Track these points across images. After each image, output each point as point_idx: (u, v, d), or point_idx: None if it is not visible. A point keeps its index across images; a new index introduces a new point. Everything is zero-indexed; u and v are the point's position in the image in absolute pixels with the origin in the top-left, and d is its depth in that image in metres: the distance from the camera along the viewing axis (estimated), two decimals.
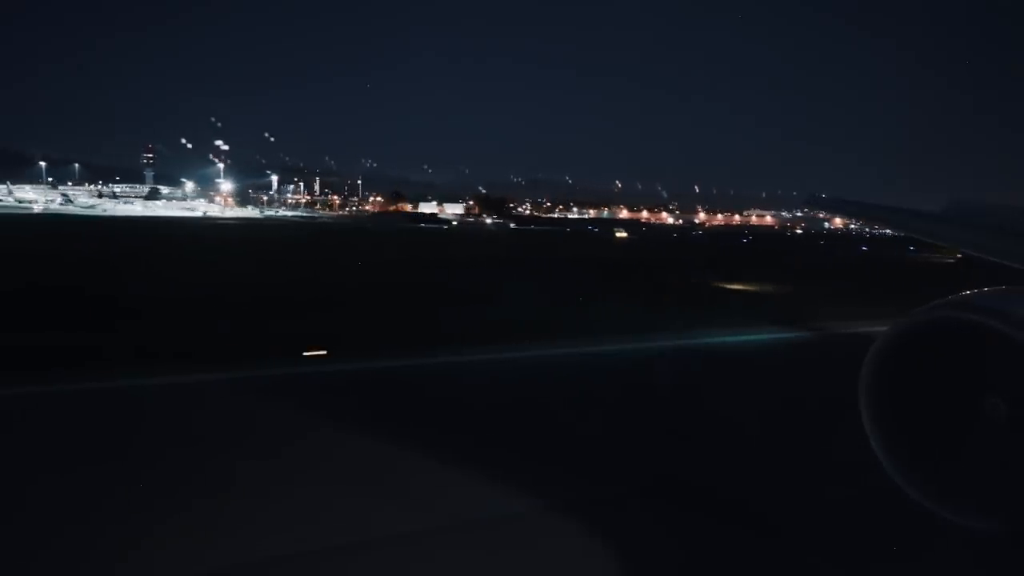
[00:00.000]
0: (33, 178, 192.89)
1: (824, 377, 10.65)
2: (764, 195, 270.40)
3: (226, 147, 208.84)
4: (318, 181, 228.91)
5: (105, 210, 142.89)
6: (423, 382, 10.99)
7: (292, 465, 7.07)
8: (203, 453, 7.32)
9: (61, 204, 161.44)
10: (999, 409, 3.46)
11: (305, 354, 12.66)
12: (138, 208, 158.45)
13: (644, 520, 6.06)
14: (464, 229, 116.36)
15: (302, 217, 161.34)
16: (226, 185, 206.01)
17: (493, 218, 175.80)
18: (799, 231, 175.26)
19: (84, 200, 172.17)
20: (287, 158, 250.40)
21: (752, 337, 16.57)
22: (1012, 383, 3.37)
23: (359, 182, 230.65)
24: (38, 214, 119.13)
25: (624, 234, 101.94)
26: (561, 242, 79.28)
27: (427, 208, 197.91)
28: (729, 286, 32.45)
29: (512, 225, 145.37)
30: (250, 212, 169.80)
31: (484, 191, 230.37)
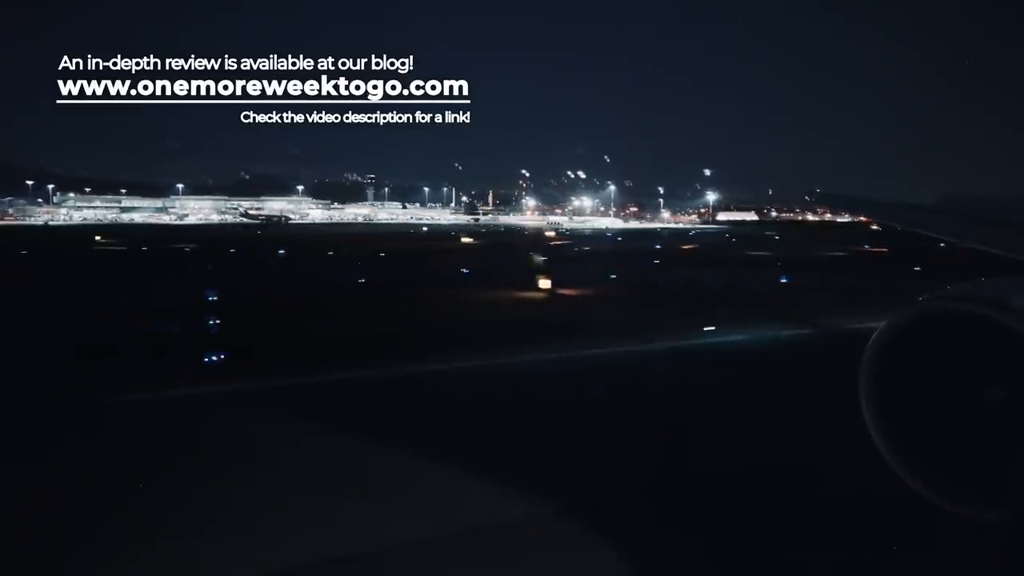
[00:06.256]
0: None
1: None
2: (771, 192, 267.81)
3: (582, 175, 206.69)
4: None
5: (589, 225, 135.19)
6: None
7: None
8: None
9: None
10: (999, 400, 3.49)
11: None
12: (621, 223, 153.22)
13: None
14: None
15: (734, 221, 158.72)
16: (582, 202, 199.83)
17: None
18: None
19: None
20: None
21: None
22: (1012, 374, 3.42)
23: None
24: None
25: None
26: None
27: (734, 216, 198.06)
28: None
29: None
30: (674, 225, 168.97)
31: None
